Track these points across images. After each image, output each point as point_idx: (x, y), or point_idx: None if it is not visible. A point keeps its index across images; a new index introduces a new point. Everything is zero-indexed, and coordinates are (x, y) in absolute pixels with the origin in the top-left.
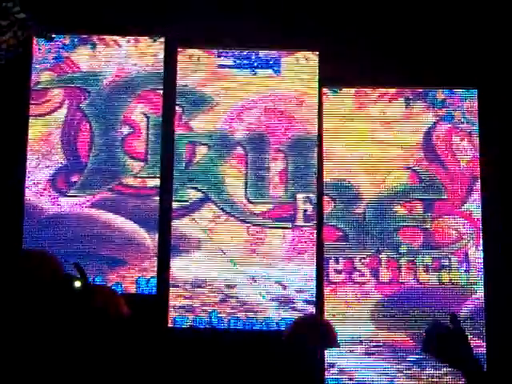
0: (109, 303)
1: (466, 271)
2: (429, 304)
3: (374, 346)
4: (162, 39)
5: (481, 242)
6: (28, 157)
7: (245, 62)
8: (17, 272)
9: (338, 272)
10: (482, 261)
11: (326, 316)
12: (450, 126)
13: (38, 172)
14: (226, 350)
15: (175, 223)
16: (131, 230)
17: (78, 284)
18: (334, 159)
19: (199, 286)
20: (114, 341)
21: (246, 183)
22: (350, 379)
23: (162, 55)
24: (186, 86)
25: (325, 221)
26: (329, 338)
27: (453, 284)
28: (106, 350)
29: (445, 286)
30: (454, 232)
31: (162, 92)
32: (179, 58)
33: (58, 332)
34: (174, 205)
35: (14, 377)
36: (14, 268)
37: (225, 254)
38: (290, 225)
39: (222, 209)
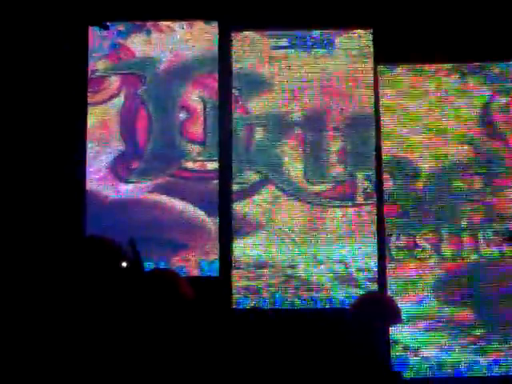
0: (174, 285)
1: None
2: (492, 278)
3: (438, 322)
4: (216, 23)
5: None
6: (88, 144)
7: (299, 42)
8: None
9: (400, 248)
10: None
11: (389, 293)
12: (507, 98)
13: (98, 159)
14: (290, 329)
15: (236, 205)
16: (192, 214)
17: (124, 264)
18: (391, 136)
19: (261, 267)
20: (181, 323)
21: (305, 163)
22: (415, 355)
23: (216, 39)
24: (241, 68)
25: (385, 198)
26: (393, 314)
27: None
28: (173, 332)
29: (507, 259)
30: None
31: (217, 76)
32: (233, 41)
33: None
34: (234, 187)
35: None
36: (80, 252)
37: (286, 234)
38: (350, 203)
39: (281, 189)
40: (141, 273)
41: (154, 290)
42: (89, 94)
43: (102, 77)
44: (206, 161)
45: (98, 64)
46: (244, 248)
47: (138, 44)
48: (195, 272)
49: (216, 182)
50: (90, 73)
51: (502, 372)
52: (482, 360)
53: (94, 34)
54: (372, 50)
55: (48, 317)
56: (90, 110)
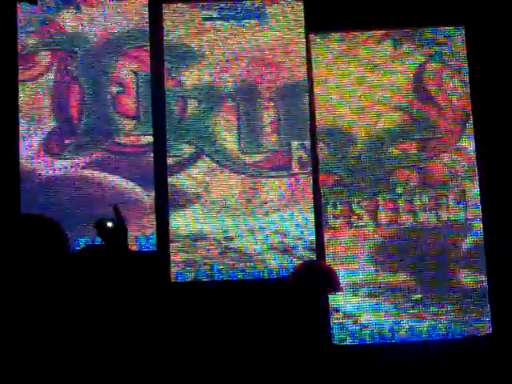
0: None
1: (463, 208)
2: (428, 243)
3: (377, 288)
4: None
5: (477, 177)
6: (20, 122)
7: (230, 13)
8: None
9: (337, 217)
10: (479, 197)
11: (327, 261)
12: (439, 64)
13: (31, 136)
14: (229, 300)
15: (171, 179)
16: (128, 189)
17: (110, 224)
18: (325, 105)
19: (199, 240)
20: (119, 298)
21: (239, 134)
22: (355, 322)
23: (146, 11)
24: (172, 41)
25: (320, 167)
26: (332, 282)
27: (451, 221)
28: (110, 308)
29: (443, 223)
30: (449, 170)
31: (148, 49)
32: (164, 13)
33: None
34: (169, 160)
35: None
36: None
37: (222, 206)
38: (285, 173)
39: (216, 161)
40: (125, 235)
41: (87, 267)
42: (19, 71)
43: (32, 53)
44: (139, 135)
45: (27, 40)
46: (181, 221)
47: (68, 19)
48: (133, 247)
49: (151, 155)
50: (20, 49)
51: (441, 336)
52: (421, 325)
53: (23, 9)
54: (303, 18)
55: None
56: (21, 86)
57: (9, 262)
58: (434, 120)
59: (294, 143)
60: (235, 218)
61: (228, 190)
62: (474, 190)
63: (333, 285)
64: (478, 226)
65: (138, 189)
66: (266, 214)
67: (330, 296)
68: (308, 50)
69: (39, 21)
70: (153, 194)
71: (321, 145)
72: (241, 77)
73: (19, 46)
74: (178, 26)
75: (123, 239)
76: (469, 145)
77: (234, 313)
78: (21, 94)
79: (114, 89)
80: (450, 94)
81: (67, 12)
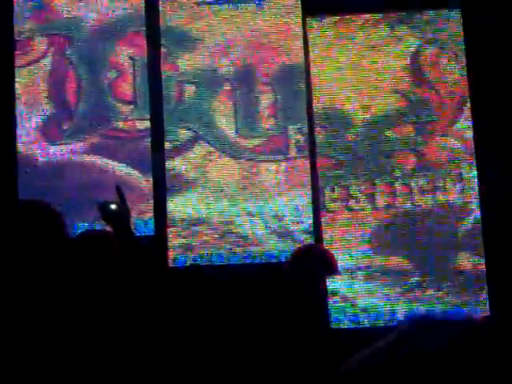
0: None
1: (461, 191)
2: (426, 226)
3: (375, 271)
4: None
5: (474, 160)
6: (16, 108)
7: None
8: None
9: (334, 200)
10: (476, 179)
11: (325, 245)
12: (436, 47)
13: (28, 122)
14: (228, 285)
15: (169, 163)
16: (125, 174)
17: (113, 206)
18: (322, 88)
19: (197, 225)
20: (118, 283)
21: (236, 119)
22: (353, 305)
23: None
24: (169, 25)
25: (318, 150)
26: (330, 265)
27: (449, 204)
28: (108, 293)
29: (441, 206)
30: (446, 153)
31: (145, 33)
32: None
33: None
34: (166, 145)
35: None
36: (13, 217)
37: (220, 191)
38: (283, 157)
39: (214, 146)
40: (128, 217)
41: (88, 252)
42: (16, 56)
43: (29, 38)
44: (137, 119)
45: (23, 26)
46: (179, 206)
47: (64, 4)
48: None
49: (148, 140)
50: (15, 35)
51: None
52: (419, 308)
53: None
54: (300, 2)
55: None
56: (17, 72)
57: (6, 248)
58: (431, 103)
59: (291, 127)
60: (233, 202)
61: (225, 174)
62: (471, 172)
63: (331, 268)
64: (476, 208)
65: (136, 174)
66: (264, 198)
67: (327, 279)
68: (305, 34)
69: (35, 6)
70: (150, 178)
71: (318, 128)
72: (238, 61)
73: (15, 32)
74: (174, 11)
75: (127, 221)
76: (466, 128)
77: (232, 297)
78: (17, 80)
79: (111, 74)
80: (447, 77)
81: None
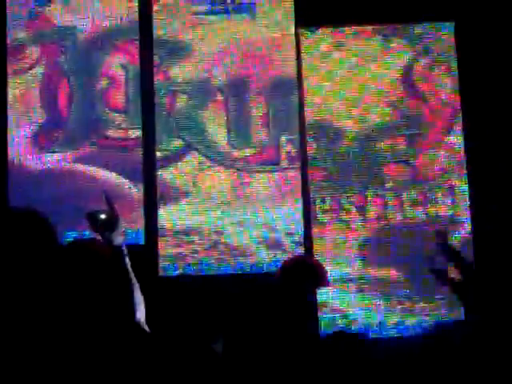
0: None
1: (452, 204)
2: (417, 238)
3: (365, 283)
4: None
5: (465, 173)
6: (8, 115)
7: (219, 7)
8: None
9: (325, 212)
10: (467, 192)
11: (316, 256)
12: (428, 60)
13: (20, 130)
14: (217, 295)
15: (160, 173)
16: (116, 183)
17: (102, 216)
18: (314, 99)
19: (187, 234)
20: (108, 291)
21: (229, 129)
22: (344, 317)
23: (136, 5)
24: (162, 34)
25: (309, 161)
26: (320, 277)
27: (440, 217)
28: (98, 301)
29: (432, 219)
30: (438, 165)
31: (138, 42)
32: (154, 7)
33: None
34: (158, 155)
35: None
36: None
37: (211, 201)
38: (274, 168)
39: (206, 156)
40: (116, 225)
41: (78, 260)
42: (8, 64)
43: (21, 46)
44: (128, 129)
45: (16, 33)
46: (169, 215)
47: (57, 12)
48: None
49: (139, 149)
50: (8, 42)
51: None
52: (409, 319)
53: (12, 2)
54: (293, 13)
55: None
56: (10, 80)
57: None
58: (423, 115)
59: (283, 138)
60: (224, 212)
61: (217, 184)
62: (462, 185)
63: (321, 280)
64: (467, 221)
65: (127, 183)
66: (255, 208)
67: (318, 291)
68: (297, 45)
69: (28, 14)
70: (142, 187)
71: (310, 140)
72: (230, 71)
73: (8, 39)
74: (167, 20)
75: (116, 230)
76: (458, 140)
77: (222, 307)
78: (9, 88)
79: (103, 82)
80: (440, 89)
81: (56, 5)
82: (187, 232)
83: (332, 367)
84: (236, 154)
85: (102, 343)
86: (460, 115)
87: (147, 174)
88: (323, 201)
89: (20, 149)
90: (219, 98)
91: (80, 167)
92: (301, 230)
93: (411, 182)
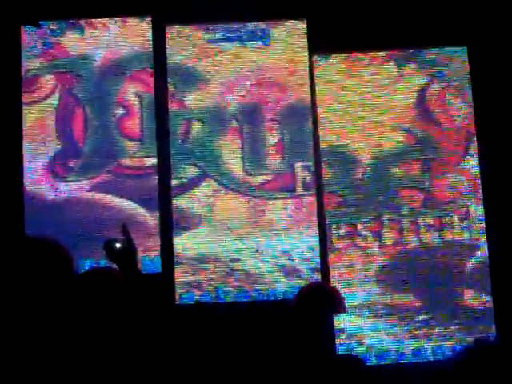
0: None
1: (468, 228)
2: (433, 263)
3: (382, 309)
4: (149, 18)
5: (481, 197)
6: (24, 145)
7: (233, 35)
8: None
9: (341, 238)
10: (483, 217)
11: (332, 282)
12: (442, 84)
13: (35, 159)
14: (234, 322)
15: (176, 201)
16: (132, 211)
17: (119, 245)
18: (328, 125)
19: (204, 262)
20: (125, 320)
21: (244, 156)
22: (360, 343)
23: (150, 34)
24: (176, 63)
25: (324, 188)
26: (337, 303)
27: (456, 242)
28: (115, 330)
29: (448, 244)
30: (453, 190)
31: (152, 71)
32: (167, 35)
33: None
34: (173, 182)
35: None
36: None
37: (227, 228)
38: (289, 194)
39: (221, 183)
40: (133, 254)
41: (95, 289)
42: (23, 94)
43: (37, 76)
44: (144, 157)
45: (31, 63)
46: (185, 243)
47: (72, 42)
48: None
49: (155, 177)
50: (23, 72)
51: (447, 356)
52: (427, 345)
53: (27, 32)
54: (306, 40)
55: None
56: (25, 109)
57: (13, 285)
58: (437, 140)
59: (298, 164)
60: (240, 239)
61: (233, 211)
62: (478, 209)
63: (337, 306)
64: (483, 245)
65: (143, 211)
66: (271, 235)
67: (334, 317)
68: (311, 72)
69: (43, 44)
70: (157, 215)
71: (325, 166)
72: (244, 98)
73: (23, 69)
74: (181, 48)
75: (133, 260)
76: (472, 165)
77: (239, 335)
78: (25, 117)
79: (118, 111)
80: (453, 114)
81: (71, 35)
82: (203, 259)
83: None
84: (251, 180)
85: (118, 372)
86: (474, 139)
87: (163, 202)
88: (339, 227)
89: (36, 178)
90: (234, 125)
91: (96, 196)
92: (317, 256)
93: (426, 206)
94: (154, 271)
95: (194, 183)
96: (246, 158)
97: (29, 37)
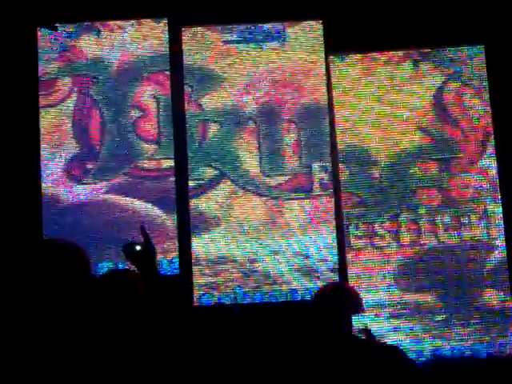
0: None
1: (486, 227)
2: (451, 263)
3: (400, 309)
4: (165, 19)
5: (499, 196)
6: (42, 148)
7: (249, 36)
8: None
9: (359, 238)
10: (501, 215)
11: (350, 282)
12: (459, 83)
13: (53, 162)
14: (252, 323)
15: (193, 202)
16: (150, 213)
17: (138, 247)
18: (345, 126)
19: (222, 263)
20: (144, 322)
21: (261, 157)
22: None
23: (166, 35)
24: (192, 64)
25: (342, 188)
26: (355, 303)
27: (474, 241)
28: (133, 333)
29: (466, 243)
30: (471, 189)
31: (169, 73)
32: (184, 37)
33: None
34: (190, 184)
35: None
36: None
37: (245, 229)
38: (307, 195)
39: (238, 184)
40: (152, 256)
41: (113, 291)
42: (40, 97)
43: (53, 79)
44: (161, 159)
45: (48, 66)
46: (203, 244)
47: (88, 44)
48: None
49: (172, 179)
50: (40, 75)
51: (467, 355)
52: (446, 344)
53: (43, 35)
54: (323, 40)
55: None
56: (43, 112)
57: (31, 288)
58: (455, 139)
59: (316, 165)
60: (258, 240)
61: (250, 212)
62: (496, 208)
63: (356, 306)
64: (502, 244)
65: (160, 212)
66: (289, 235)
67: (353, 317)
68: (328, 72)
69: (60, 46)
70: (175, 217)
71: (342, 166)
72: (261, 99)
73: (40, 72)
74: (197, 50)
75: (152, 262)
76: (490, 164)
77: (257, 336)
78: (42, 120)
79: (135, 113)
80: (471, 113)
81: (87, 37)
82: (221, 261)
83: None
84: (268, 181)
85: (136, 372)
86: (492, 138)
87: (180, 204)
88: (357, 227)
89: (53, 180)
90: (251, 126)
91: (113, 198)
92: (335, 256)
93: (444, 206)
94: (172, 273)
95: (211, 185)
96: (263, 159)
97: (45, 40)
